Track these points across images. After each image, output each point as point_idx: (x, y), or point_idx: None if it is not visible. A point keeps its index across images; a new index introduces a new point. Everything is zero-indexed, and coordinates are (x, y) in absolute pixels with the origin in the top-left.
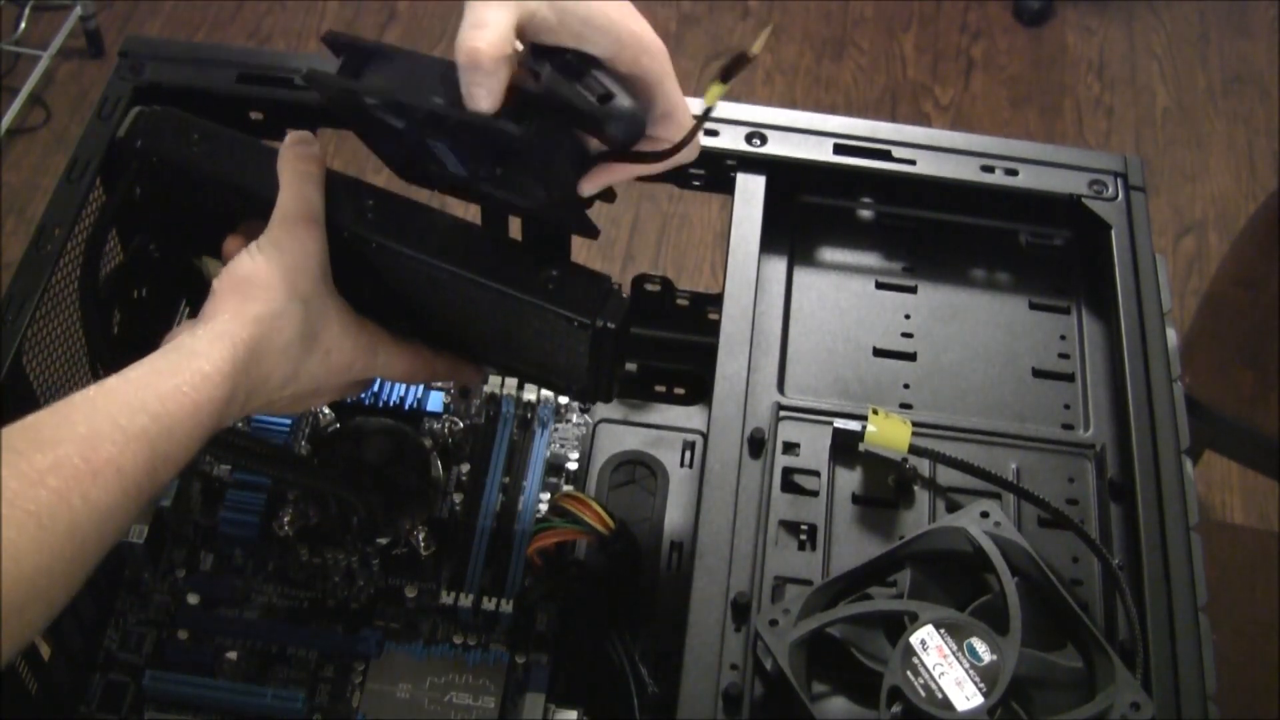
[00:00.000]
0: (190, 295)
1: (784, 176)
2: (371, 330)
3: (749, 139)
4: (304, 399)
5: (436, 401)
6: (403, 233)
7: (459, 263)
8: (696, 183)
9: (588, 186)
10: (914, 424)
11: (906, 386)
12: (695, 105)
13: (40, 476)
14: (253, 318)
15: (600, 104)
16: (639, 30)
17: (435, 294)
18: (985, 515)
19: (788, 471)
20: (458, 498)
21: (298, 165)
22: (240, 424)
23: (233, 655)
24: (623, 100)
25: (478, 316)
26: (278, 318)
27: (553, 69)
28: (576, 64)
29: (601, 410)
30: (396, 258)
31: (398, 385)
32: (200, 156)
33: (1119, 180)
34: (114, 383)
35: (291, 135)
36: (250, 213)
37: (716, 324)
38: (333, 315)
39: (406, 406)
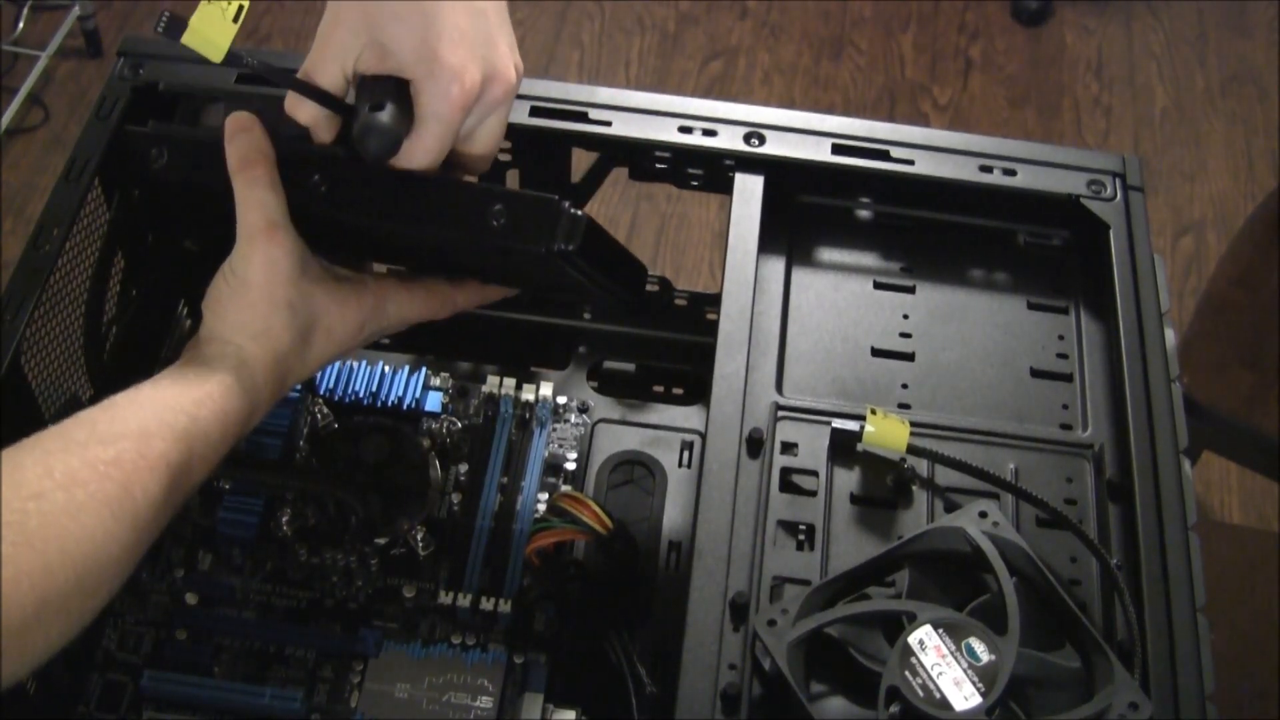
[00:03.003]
0: (188, 296)
1: (782, 176)
2: (374, 290)
3: (747, 139)
4: (326, 365)
5: (435, 401)
6: (352, 200)
7: (408, 217)
8: (695, 183)
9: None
10: (912, 424)
11: (905, 386)
12: (693, 105)
13: (106, 469)
14: (246, 336)
15: (369, 112)
16: (438, 55)
17: (415, 245)
18: (983, 515)
19: (786, 471)
20: (456, 498)
21: (244, 172)
22: None
23: (235, 654)
24: (384, 116)
25: (461, 257)
26: (267, 331)
27: (362, 87)
28: (388, 85)
29: (600, 410)
30: (359, 225)
31: (396, 385)
32: (166, 170)
33: (1117, 180)
34: (149, 388)
35: (230, 128)
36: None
37: (715, 324)
38: (323, 300)
39: (405, 406)
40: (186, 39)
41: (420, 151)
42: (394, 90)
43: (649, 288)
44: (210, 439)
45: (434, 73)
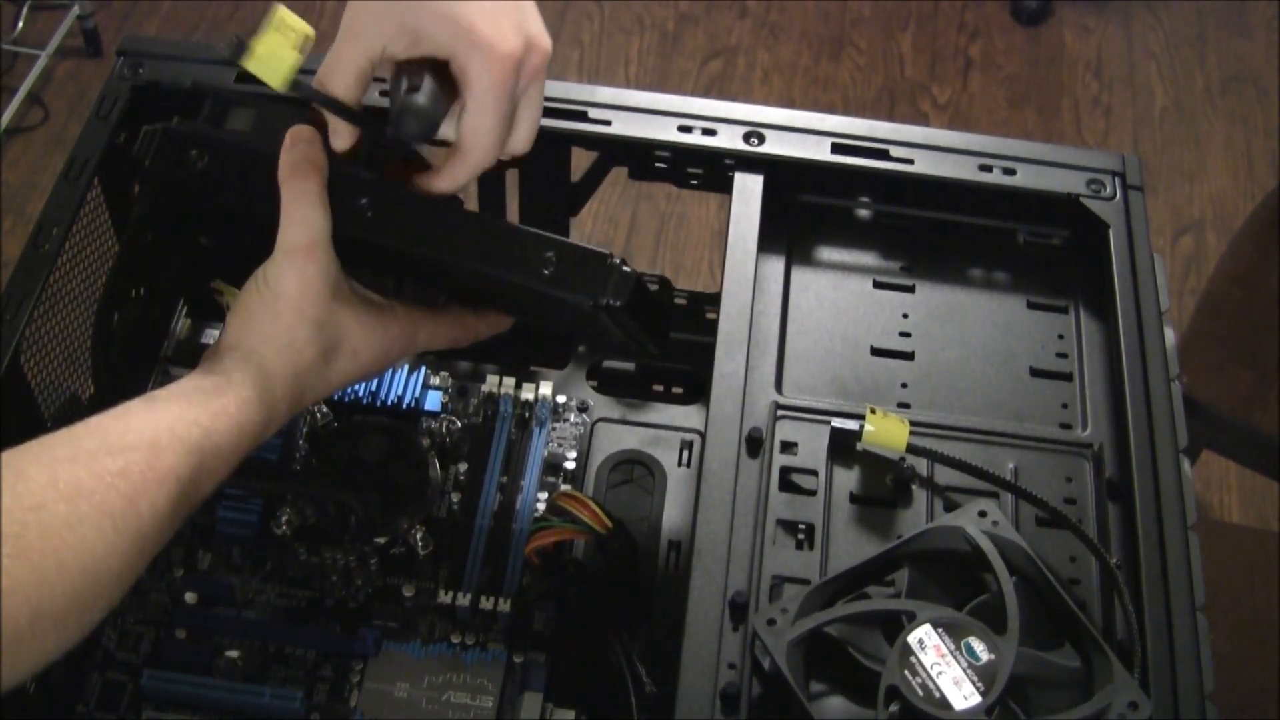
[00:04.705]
0: (189, 295)
1: (782, 176)
2: (402, 319)
3: (747, 138)
4: (347, 386)
5: (434, 401)
6: (399, 229)
7: (458, 254)
8: (694, 182)
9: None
10: (912, 423)
11: (904, 386)
12: (693, 104)
13: (112, 480)
14: (270, 348)
15: (404, 95)
16: (476, 28)
17: (453, 277)
18: (983, 514)
19: (785, 471)
20: (455, 497)
21: (294, 184)
22: None
23: (234, 653)
24: (420, 98)
25: (496, 295)
26: (292, 346)
27: (397, 74)
28: (423, 67)
29: (599, 409)
30: (401, 252)
31: (395, 385)
32: (203, 175)
33: (1117, 179)
34: (164, 395)
35: (290, 138)
36: (260, 226)
37: (714, 323)
38: (351, 323)
39: (404, 405)
40: (249, 63)
41: (482, 132)
42: (430, 72)
43: (649, 286)
44: (222, 452)
45: (476, 45)
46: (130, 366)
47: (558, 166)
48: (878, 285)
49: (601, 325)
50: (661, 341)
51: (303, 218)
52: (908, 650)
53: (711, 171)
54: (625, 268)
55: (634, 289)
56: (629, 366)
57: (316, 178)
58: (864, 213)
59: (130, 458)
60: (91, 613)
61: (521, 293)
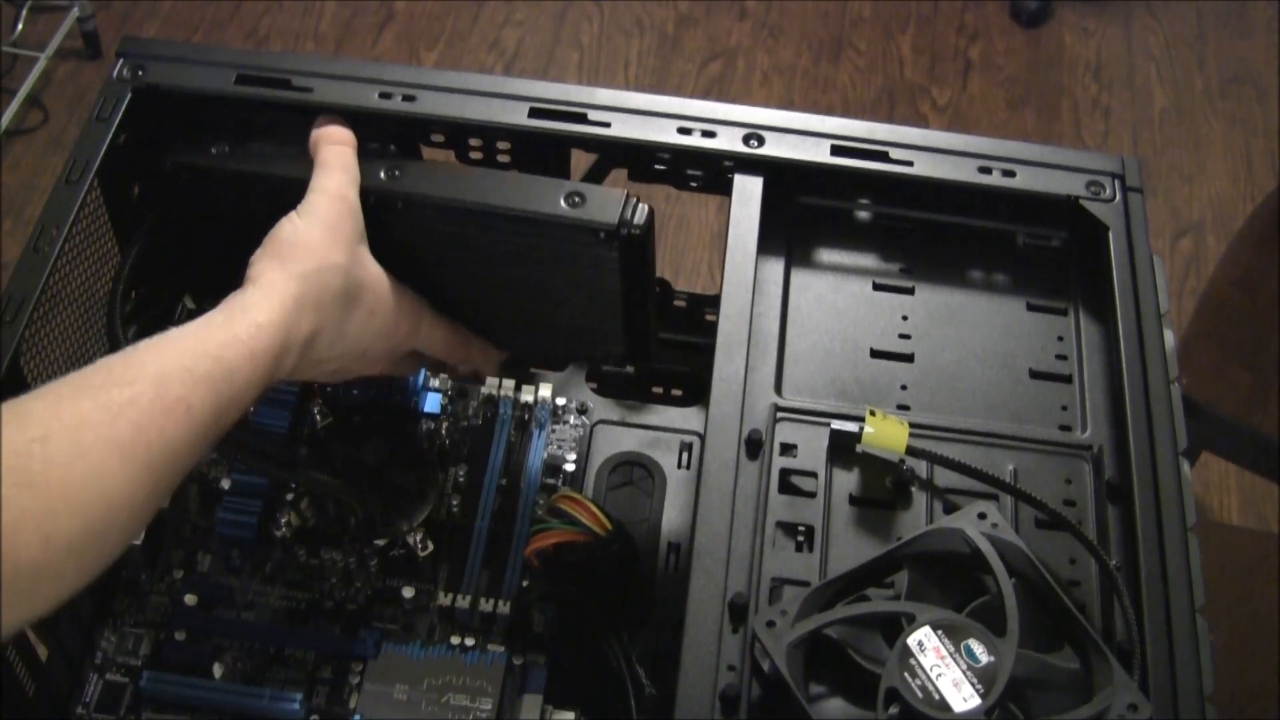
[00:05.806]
0: (191, 291)
1: (781, 177)
2: (414, 299)
3: (746, 140)
4: (352, 361)
5: (434, 403)
6: (425, 184)
7: (480, 196)
8: (694, 184)
9: None
10: (911, 425)
11: (904, 388)
12: (692, 106)
13: (120, 409)
14: (297, 274)
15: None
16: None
17: (464, 251)
18: (983, 516)
19: (785, 473)
20: (455, 499)
21: (328, 145)
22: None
23: (234, 655)
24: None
25: (507, 268)
26: (320, 273)
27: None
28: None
29: (599, 411)
30: (424, 212)
31: (395, 386)
32: (227, 160)
33: (1116, 181)
34: (174, 333)
35: (321, 118)
36: (281, 207)
37: (714, 325)
38: (374, 276)
39: (404, 407)
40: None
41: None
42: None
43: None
44: (236, 380)
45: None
46: None
47: (557, 168)
48: (877, 287)
49: (607, 294)
50: (649, 348)
51: (335, 168)
52: (907, 652)
53: (711, 173)
54: (643, 205)
55: (649, 221)
56: (628, 369)
57: (349, 143)
58: (863, 214)
59: (136, 389)
60: (107, 541)
61: (536, 252)
